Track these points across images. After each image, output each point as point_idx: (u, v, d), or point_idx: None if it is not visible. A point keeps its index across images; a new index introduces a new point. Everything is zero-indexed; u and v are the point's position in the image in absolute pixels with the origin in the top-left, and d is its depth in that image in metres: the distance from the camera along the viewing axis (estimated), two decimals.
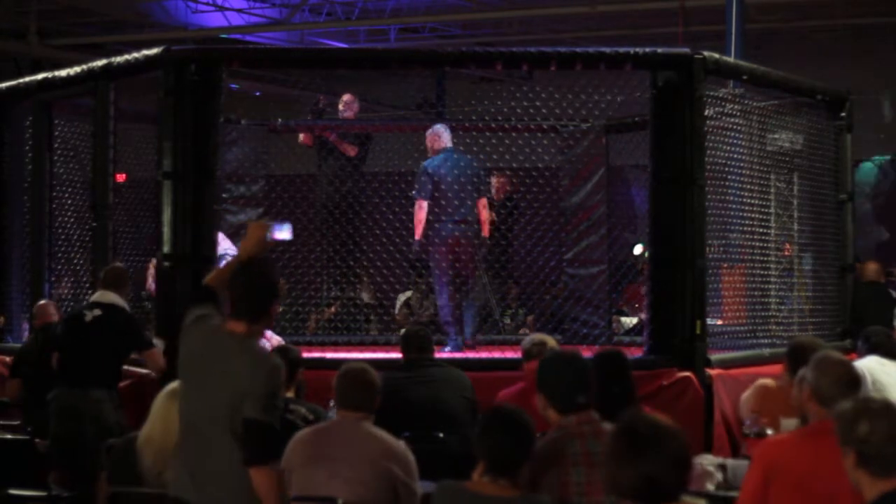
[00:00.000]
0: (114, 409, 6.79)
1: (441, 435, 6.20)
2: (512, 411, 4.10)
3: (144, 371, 7.25)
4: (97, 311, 6.98)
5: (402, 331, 7.18)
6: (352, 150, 10.20)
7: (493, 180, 10.44)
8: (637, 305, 10.68)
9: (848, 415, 3.42)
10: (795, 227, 9.39)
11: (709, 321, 7.73)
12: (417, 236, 9.03)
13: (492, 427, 4.01)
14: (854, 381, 4.15)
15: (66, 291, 9.02)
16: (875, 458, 3.34)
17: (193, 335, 4.29)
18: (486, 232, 9.28)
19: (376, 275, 10.03)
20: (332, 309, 10.58)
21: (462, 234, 9.05)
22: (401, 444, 4.82)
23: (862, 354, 6.97)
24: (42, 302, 8.28)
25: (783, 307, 9.06)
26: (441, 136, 9.29)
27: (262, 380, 4.07)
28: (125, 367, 7.15)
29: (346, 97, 10.42)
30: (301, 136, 10.38)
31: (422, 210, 8.97)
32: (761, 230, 8.68)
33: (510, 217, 10.33)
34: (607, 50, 7.94)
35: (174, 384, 4.85)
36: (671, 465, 3.15)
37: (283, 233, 4.46)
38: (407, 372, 6.57)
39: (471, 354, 8.19)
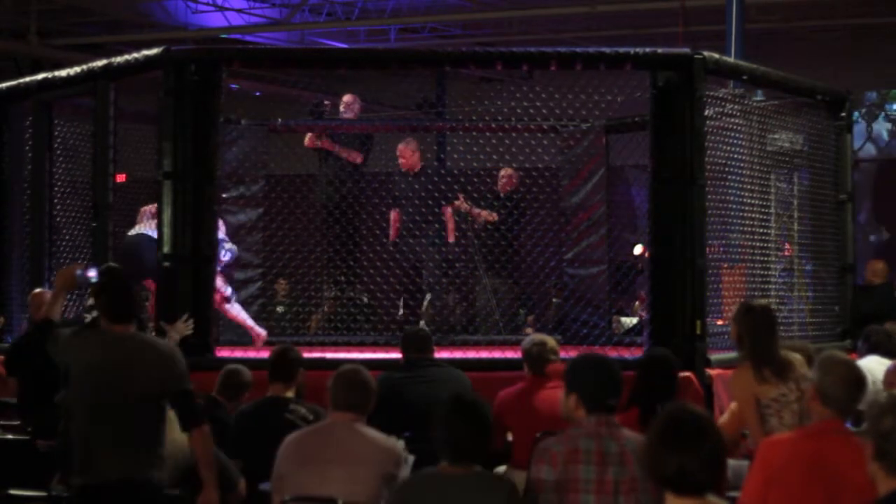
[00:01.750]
0: None
1: None
2: (469, 402, 4.23)
3: None
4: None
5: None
6: (358, 158, 10.15)
7: (501, 172, 10.48)
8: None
9: (878, 406, 3.43)
10: (795, 227, 9.39)
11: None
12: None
13: (450, 418, 4.17)
14: (858, 380, 4.14)
15: None
16: (890, 454, 3.35)
17: (89, 342, 5.04)
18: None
19: (376, 275, 10.01)
20: (326, 308, 10.54)
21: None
22: (393, 441, 4.85)
23: (862, 354, 6.96)
24: (37, 290, 7.94)
25: (783, 307, 9.05)
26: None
27: (173, 363, 4.91)
28: None
29: (347, 98, 10.37)
30: (307, 140, 10.34)
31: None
32: (761, 230, 8.68)
33: (510, 217, 10.32)
34: (607, 50, 7.94)
35: None
36: (706, 461, 3.21)
37: (90, 272, 5.75)
38: (406, 372, 6.57)
39: (471, 354, 8.18)
